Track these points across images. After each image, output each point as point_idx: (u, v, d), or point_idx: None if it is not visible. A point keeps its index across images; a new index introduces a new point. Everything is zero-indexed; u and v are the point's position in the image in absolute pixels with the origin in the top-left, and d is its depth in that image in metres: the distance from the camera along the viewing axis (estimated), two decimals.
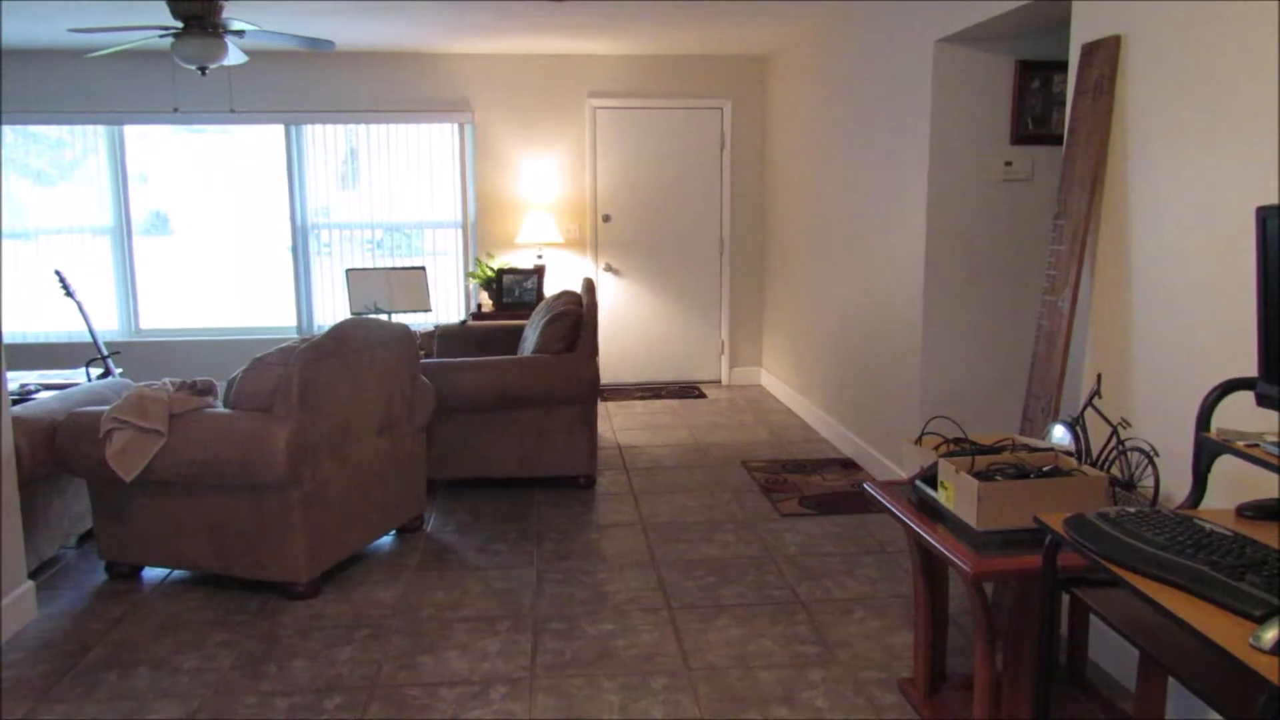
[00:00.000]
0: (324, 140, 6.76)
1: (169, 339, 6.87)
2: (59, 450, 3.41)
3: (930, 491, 2.40)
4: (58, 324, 6.64)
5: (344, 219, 6.89)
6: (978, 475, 2.23)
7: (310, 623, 3.22)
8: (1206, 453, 1.94)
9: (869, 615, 3.24)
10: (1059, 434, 2.52)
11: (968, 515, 2.21)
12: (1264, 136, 2.20)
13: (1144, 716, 2.26)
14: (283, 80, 6.55)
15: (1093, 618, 2.70)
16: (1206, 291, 2.39)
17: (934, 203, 4.15)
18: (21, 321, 6.69)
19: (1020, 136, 4.12)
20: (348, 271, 5.76)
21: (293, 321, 7.00)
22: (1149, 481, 2.34)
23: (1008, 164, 4.15)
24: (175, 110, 6.51)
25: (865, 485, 2.70)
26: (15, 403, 3.73)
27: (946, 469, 2.32)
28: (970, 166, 4.14)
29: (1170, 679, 2.24)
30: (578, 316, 4.60)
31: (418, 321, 6.51)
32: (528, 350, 4.65)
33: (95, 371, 4.69)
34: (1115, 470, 2.46)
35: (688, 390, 7.00)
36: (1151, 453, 2.33)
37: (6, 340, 6.18)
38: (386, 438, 3.74)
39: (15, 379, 4.41)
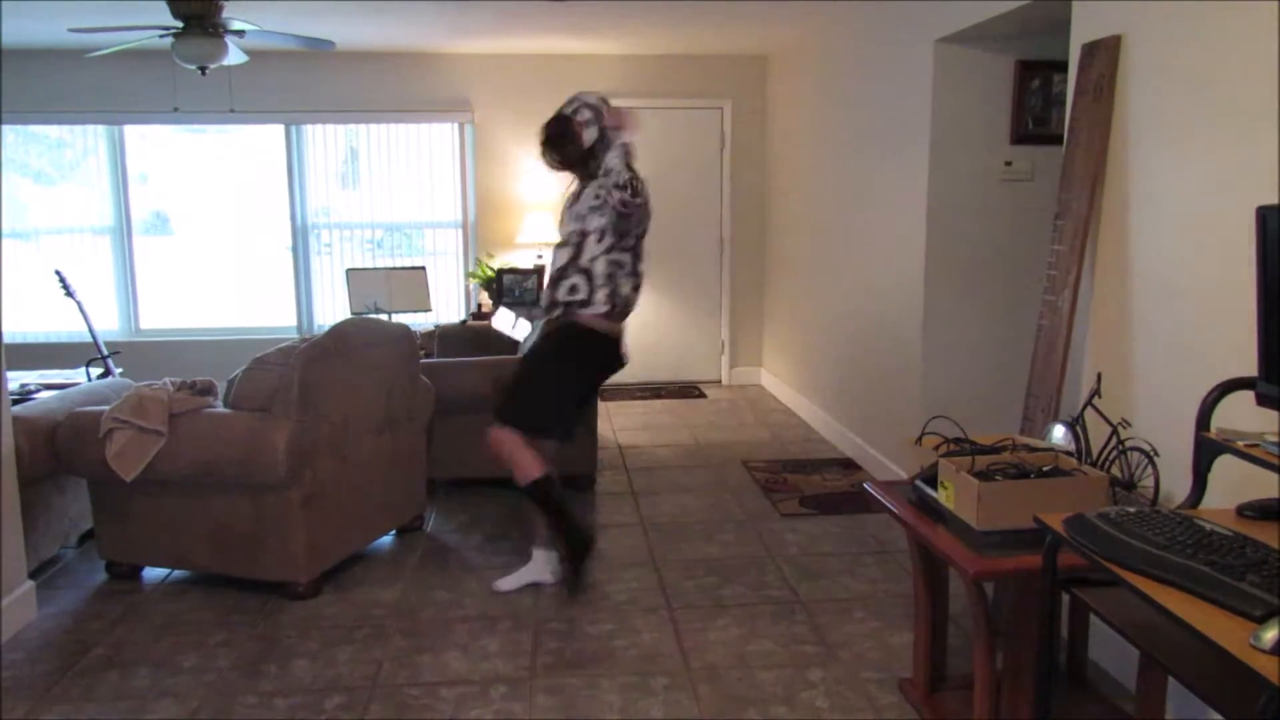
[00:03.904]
0: (324, 140, 6.76)
1: (169, 339, 6.87)
2: (59, 450, 3.41)
3: (930, 491, 2.40)
4: (58, 324, 6.63)
5: (344, 219, 6.89)
6: (978, 475, 2.23)
7: (310, 623, 3.22)
8: (1206, 453, 1.94)
9: (869, 615, 3.24)
10: (1059, 434, 2.52)
11: (968, 515, 2.20)
12: (1264, 136, 2.20)
13: (1144, 716, 2.26)
14: (283, 80, 6.54)
15: (1093, 618, 2.70)
16: (1206, 291, 2.39)
17: (934, 203, 4.15)
18: (21, 321, 6.69)
19: (1020, 136, 4.12)
20: (348, 271, 5.75)
21: (293, 321, 7.00)
22: (1149, 481, 2.34)
23: (1008, 164, 4.15)
24: (175, 110, 6.51)
25: (865, 485, 2.70)
26: (15, 403, 3.73)
27: (947, 469, 2.32)
28: (970, 166, 4.14)
29: (1170, 679, 2.24)
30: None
31: (418, 321, 6.50)
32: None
33: (95, 371, 4.69)
34: (1115, 470, 2.46)
35: (688, 390, 7.00)
36: (1151, 453, 2.33)
37: (6, 340, 6.17)
38: (386, 438, 3.74)
39: (15, 379, 4.41)
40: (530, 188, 6.80)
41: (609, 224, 3.31)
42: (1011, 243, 4.20)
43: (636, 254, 3.44)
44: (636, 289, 3.46)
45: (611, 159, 3.28)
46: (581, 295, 3.35)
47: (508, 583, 3.48)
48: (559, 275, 3.39)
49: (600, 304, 3.35)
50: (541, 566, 3.50)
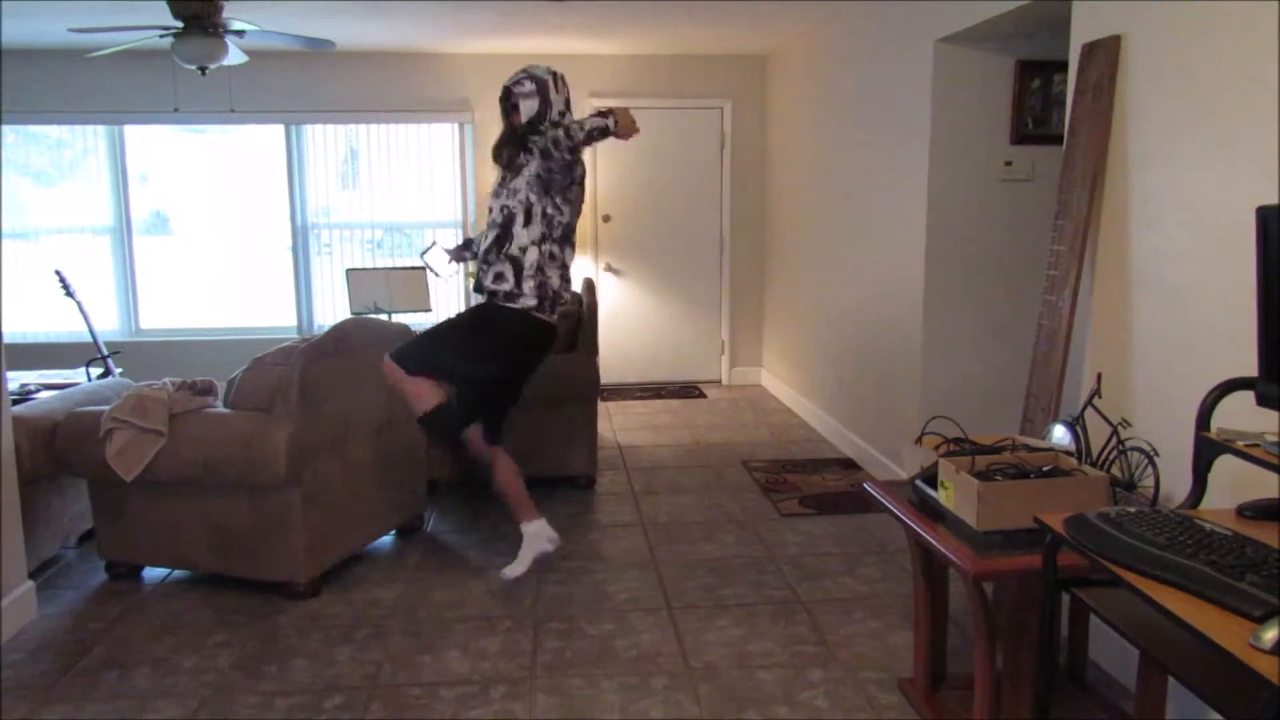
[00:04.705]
0: (324, 140, 6.76)
1: (169, 339, 6.87)
2: (59, 450, 3.41)
3: (930, 491, 2.40)
4: (58, 324, 6.64)
5: (344, 219, 6.89)
6: (978, 475, 2.23)
7: (310, 623, 3.22)
8: (1206, 453, 1.94)
9: (869, 615, 3.24)
10: (1059, 434, 2.52)
11: (968, 515, 2.20)
12: (1264, 136, 2.20)
13: (1144, 716, 2.26)
14: (283, 80, 6.54)
15: (1093, 618, 2.70)
16: (1206, 291, 2.40)
17: (934, 203, 4.15)
18: (21, 321, 6.69)
19: (1020, 136, 4.12)
20: (348, 271, 5.76)
21: (293, 321, 7.00)
22: (1149, 481, 2.34)
23: (1008, 164, 4.15)
24: (175, 110, 6.51)
25: (865, 485, 2.70)
26: (15, 403, 3.73)
27: (947, 469, 2.32)
28: (970, 166, 4.14)
29: (1170, 679, 2.24)
30: (578, 316, 4.60)
31: (418, 321, 6.51)
32: None
33: (95, 371, 4.69)
34: (1115, 470, 2.46)
35: (688, 390, 7.00)
36: (1151, 453, 2.33)
37: (6, 340, 6.17)
38: (387, 437, 3.74)
39: (15, 379, 4.41)
40: None
41: (540, 198, 3.20)
42: (1011, 243, 4.20)
43: (567, 243, 3.33)
44: (565, 280, 3.34)
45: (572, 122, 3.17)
46: (508, 286, 3.23)
47: (515, 569, 3.39)
48: (485, 259, 3.28)
49: (529, 297, 3.24)
50: (537, 538, 3.42)
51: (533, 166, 3.22)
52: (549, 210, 3.23)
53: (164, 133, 6.72)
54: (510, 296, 3.24)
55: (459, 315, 3.42)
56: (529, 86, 3.22)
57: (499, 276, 3.24)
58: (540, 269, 3.24)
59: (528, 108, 3.22)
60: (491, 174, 6.75)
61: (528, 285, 3.23)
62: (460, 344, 3.33)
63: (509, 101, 3.26)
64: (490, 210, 3.33)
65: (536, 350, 3.40)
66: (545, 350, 3.42)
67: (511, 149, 3.29)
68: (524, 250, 3.22)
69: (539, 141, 3.18)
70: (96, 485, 3.48)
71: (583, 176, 3.31)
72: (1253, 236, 1.84)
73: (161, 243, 6.91)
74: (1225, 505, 2.04)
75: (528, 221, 3.22)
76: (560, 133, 3.11)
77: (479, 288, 3.35)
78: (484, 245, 3.31)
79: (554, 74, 3.28)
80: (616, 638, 3.10)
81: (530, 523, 3.45)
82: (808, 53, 5.92)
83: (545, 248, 3.25)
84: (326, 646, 3.05)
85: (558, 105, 3.27)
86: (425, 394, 3.31)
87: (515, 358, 3.38)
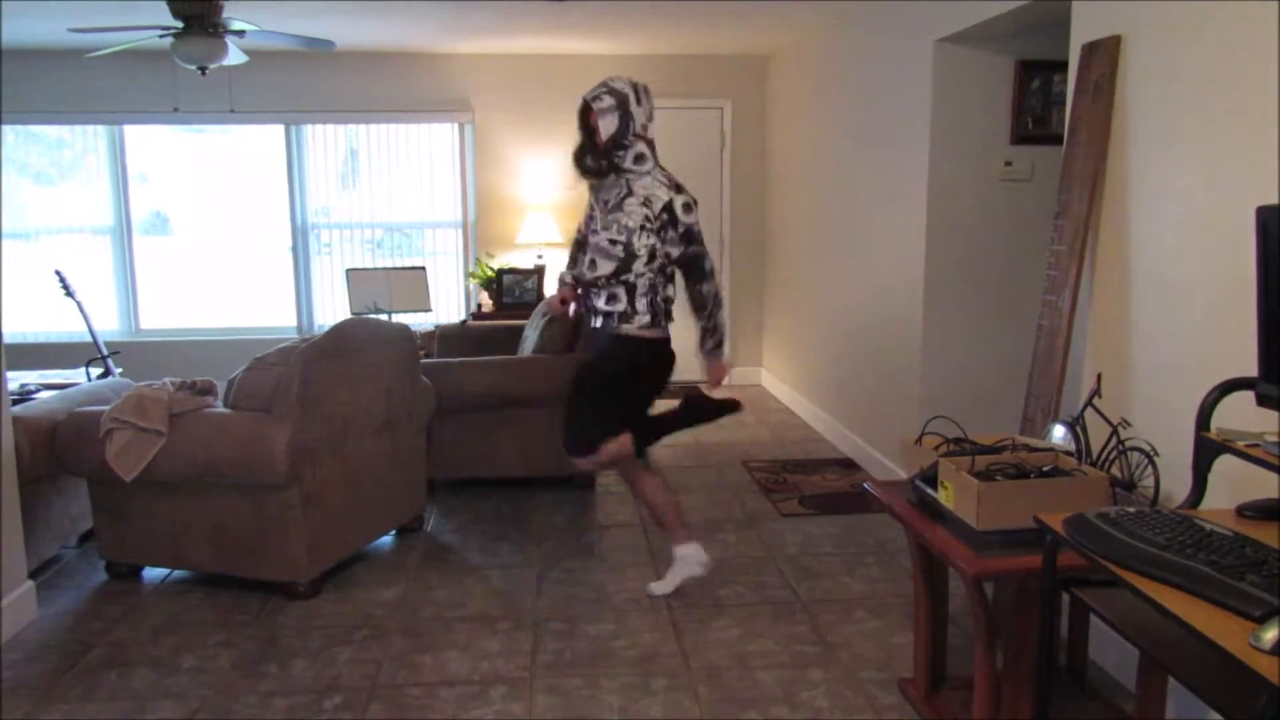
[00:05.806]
0: (324, 140, 6.76)
1: (169, 339, 6.87)
2: (59, 450, 3.41)
3: (930, 491, 2.40)
4: (58, 324, 6.64)
5: (344, 219, 6.89)
6: (978, 475, 2.23)
7: (310, 623, 3.22)
8: (1206, 453, 1.94)
9: (869, 615, 3.24)
10: (1059, 434, 2.52)
11: (968, 515, 2.20)
12: (1263, 136, 2.20)
13: (1144, 716, 2.26)
14: (283, 80, 6.54)
15: (1093, 618, 2.70)
16: (1206, 291, 2.40)
17: (934, 202, 4.15)
18: (21, 321, 6.69)
19: (1020, 136, 4.12)
20: (348, 271, 5.76)
21: (293, 321, 7.00)
22: (1149, 481, 2.34)
23: (1008, 164, 4.15)
24: (175, 110, 6.50)
25: (865, 485, 2.70)
26: (15, 403, 3.73)
27: (946, 469, 2.32)
28: (970, 166, 4.14)
29: (1170, 679, 2.24)
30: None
31: (418, 321, 6.51)
32: (528, 350, 4.65)
33: (95, 371, 4.69)
34: (1115, 470, 2.46)
35: (688, 390, 6.98)
36: (1151, 453, 2.33)
37: (6, 340, 6.17)
38: (386, 438, 3.74)
39: (15, 379, 4.41)
40: (530, 188, 6.80)
41: (657, 245, 3.18)
42: (1011, 243, 4.20)
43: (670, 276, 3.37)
44: (671, 292, 3.35)
45: (658, 176, 3.22)
46: (622, 306, 3.20)
47: (662, 587, 3.38)
48: (595, 283, 3.23)
49: (643, 313, 3.22)
50: (689, 562, 3.39)
51: (638, 206, 3.19)
52: (661, 248, 3.22)
53: (164, 133, 6.72)
54: (624, 318, 3.22)
55: (584, 376, 3.34)
56: (608, 102, 3.13)
57: (612, 298, 3.22)
58: (652, 287, 3.23)
59: (607, 125, 3.13)
60: (493, 174, 6.78)
61: (640, 303, 3.22)
62: (609, 401, 3.28)
63: (587, 117, 3.18)
64: (601, 231, 3.23)
65: (666, 365, 3.38)
66: (671, 362, 3.40)
67: (595, 163, 3.22)
68: (639, 276, 3.20)
69: (684, 216, 3.22)
70: (96, 485, 3.48)
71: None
72: (1252, 236, 1.84)
73: (161, 243, 6.91)
74: (1225, 505, 2.04)
75: (650, 259, 3.19)
76: (698, 250, 3.25)
77: (590, 309, 3.30)
78: (600, 272, 3.23)
79: (635, 86, 3.19)
80: (616, 638, 3.10)
81: (685, 545, 3.41)
82: (808, 53, 5.92)
83: (656, 273, 3.24)
84: (326, 646, 3.05)
85: (640, 119, 3.19)
86: (620, 446, 3.26)
87: (647, 384, 3.37)
